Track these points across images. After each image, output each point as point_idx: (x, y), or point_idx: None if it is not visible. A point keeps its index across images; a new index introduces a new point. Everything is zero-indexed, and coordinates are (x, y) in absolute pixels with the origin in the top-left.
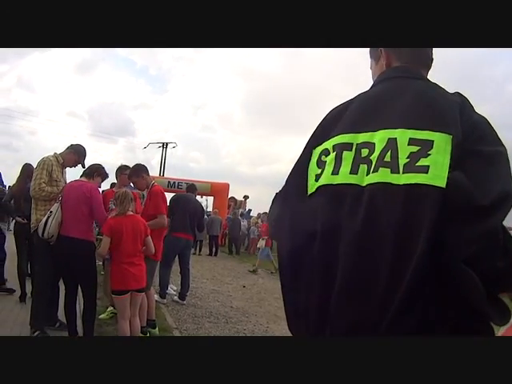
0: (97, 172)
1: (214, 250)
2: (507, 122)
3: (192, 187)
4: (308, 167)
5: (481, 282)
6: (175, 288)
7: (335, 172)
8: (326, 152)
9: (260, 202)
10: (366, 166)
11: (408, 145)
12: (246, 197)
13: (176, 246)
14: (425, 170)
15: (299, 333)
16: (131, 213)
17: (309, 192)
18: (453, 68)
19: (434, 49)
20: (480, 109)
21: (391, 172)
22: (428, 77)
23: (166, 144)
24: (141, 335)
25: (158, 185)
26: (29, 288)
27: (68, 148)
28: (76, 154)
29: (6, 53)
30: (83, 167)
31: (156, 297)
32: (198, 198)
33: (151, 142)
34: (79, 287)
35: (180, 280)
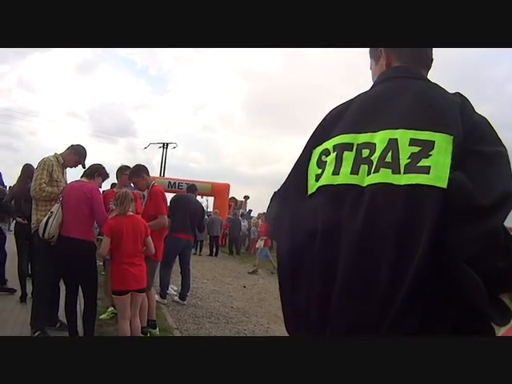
0: (97, 172)
1: (214, 250)
2: (507, 122)
3: (192, 187)
4: (308, 167)
5: (482, 282)
6: (176, 288)
7: (336, 172)
8: (326, 152)
9: (260, 203)
10: (366, 166)
11: (409, 145)
12: (246, 197)
13: (176, 246)
14: (426, 170)
15: (298, 333)
16: (131, 213)
17: (309, 192)
18: (453, 68)
19: (434, 49)
20: (480, 109)
21: (392, 172)
22: (428, 77)
23: (167, 144)
24: (141, 335)
25: (159, 185)
26: (29, 288)
27: (68, 148)
28: (76, 154)
29: (6, 53)
30: (84, 167)
31: (156, 297)
32: (199, 198)
33: (152, 142)
34: (80, 287)
35: (180, 280)
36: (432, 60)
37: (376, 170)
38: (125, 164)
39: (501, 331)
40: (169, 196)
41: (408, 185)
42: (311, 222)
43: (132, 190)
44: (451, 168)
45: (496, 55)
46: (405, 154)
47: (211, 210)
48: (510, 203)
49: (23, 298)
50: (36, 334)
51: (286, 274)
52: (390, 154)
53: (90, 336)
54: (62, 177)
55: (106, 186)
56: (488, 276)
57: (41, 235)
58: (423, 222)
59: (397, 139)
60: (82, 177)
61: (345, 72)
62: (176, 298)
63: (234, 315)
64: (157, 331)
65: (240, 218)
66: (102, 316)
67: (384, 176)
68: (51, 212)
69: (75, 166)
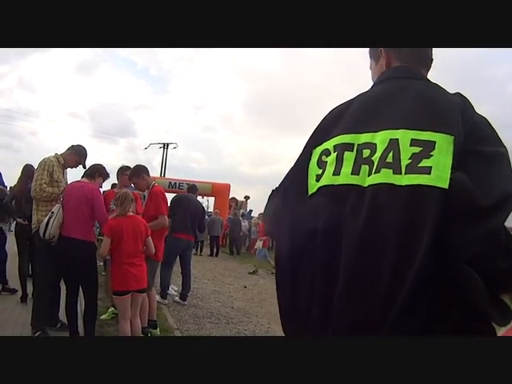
0: (98, 172)
1: (214, 250)
2: (508, 122)
3: (193, 188)
4: (308, 167)
5: (483, 282)
6: (176, 288)
7: (336, 172)
8: (326, 152)
9: (261, 203)
10: (367, 166)
11: (410, 146)
12: (246, 197)
13: (177, 246)
14: (427, 171)
15: (296, 333)
16: (132, 213)
17: (309, 192)
18: (453, 68)
19: (434, 49)
20: (480, 109)
21: (393, 173)
22: (428, 77)
23: (167, 145)
24: (142, 336)
25: (159, 185)
26: (30, 289)
27: (69, 149)
28: (77, 154)
29: (6, 53)
30: (84, 168)
31: (157, 297)
32: (199, 198)
33: (152, 142)
34: (80, 288)
35: (181, 280)
36: (432, 60)
37: (377, 171)
38: (125, 164)
39: (501, 331)
40: (169, 196)
41: (409, 185)
42: (312, 221)
43: (132, 191)
44: (452, 168)
45: (496, 55)
46: (406, 154)
47: (212, 211)
48: (511, 203)
49: (24, 299)
50: (37, 335)
51: (286, 273)
52: (391, 154)
53: (90, 336)
54: (62, 177)
55: (106, 186)
56: (489, 276)
57: (41, 235)
58: (424, 222)
59: (398, 139)
60: (82, 177)
61: (345, 72)
62: (177, 298)
63: (235, 315)
64: (157, 331)
65: (240, 218)
66: (103, 316)
67: (385, 176)
68: (52, 212)
69: (76, 166)
